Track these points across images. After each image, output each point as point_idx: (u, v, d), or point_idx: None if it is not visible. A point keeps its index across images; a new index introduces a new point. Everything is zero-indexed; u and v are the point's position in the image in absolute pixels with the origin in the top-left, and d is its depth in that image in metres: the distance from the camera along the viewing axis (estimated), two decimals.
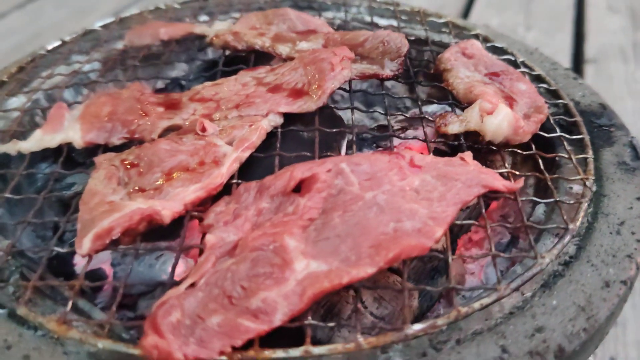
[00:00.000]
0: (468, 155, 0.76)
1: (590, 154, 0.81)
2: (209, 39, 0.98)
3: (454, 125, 0.81)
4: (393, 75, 0.88)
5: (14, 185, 0.76)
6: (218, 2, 1.19)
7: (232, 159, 0.73)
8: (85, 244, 0.64)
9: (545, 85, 0.95)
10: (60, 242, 0.69)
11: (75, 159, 0.86)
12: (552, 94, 0.94)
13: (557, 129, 0.85)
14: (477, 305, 0.61)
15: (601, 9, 2.43)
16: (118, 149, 0.79)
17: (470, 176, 0.72)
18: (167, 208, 0.66)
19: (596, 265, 0.67)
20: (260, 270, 0.60)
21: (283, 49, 0.93)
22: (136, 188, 0.71)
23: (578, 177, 0.77)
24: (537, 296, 0.64)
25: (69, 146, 0.80)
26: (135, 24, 1.10)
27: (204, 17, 1.17)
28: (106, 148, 0.80)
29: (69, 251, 0.67)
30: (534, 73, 0.98)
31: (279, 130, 0.79)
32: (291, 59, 0.91)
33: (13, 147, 0.80)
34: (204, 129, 0.76)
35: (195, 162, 0.73)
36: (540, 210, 0.80)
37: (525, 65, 1.00)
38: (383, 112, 0.84)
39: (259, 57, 0.96)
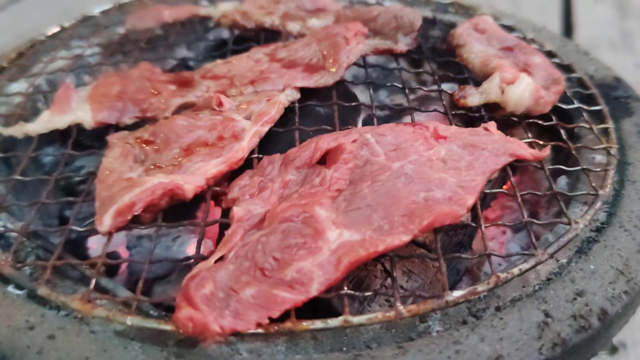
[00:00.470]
0: (492, 125, 0.74)
1: (610, 124, 0.80)
2: (216, 19, 0.96)
3: (474, 97, 0.80)
4: (407, 50, 0.87)
5: (22, 169, 0.73)
6: None
7: (252, 133, 0.70)
8: (106, 221, 0.61)
9: (557, 60, 0.94)
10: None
11: (82, 142, 0.83)
12: (565, 69, 0.93)
13: (575, 101, 0.84)
14: (516, 270, 0.59)
15: (588, 0, 2.45)
16: (129, 128, 0.76)
17: (496, 145, 0.70)
18: (190, 182, 0.64)
19: (629, 230, 0.66)
20: (292, 241, 0.58)
21: (293, 27, 0.91)
22: (154, 165, 0.68)
23: (601, 145, 0.76)
24: (574, 262, 0.63)
25: (78, 127, 0.77)
26: (135, 9, 1.08)
27: (204, 3, 1.15)
28: (117, 128, 0.77)
29: (86, 231, 0.64)
30: (545, 49, 0.97)
31: (296, 105, 0.77)
32: (302, 36, 0.89)
33: (20, 130, 0.76)
34: (220, 104, 0.73)
35: (214, 137, 0.70)
36: (562, 182, 0.79)
37: (535, 42, 0.99)
38: (401, 87, 0.82)
39: (266, 37, 0.94)
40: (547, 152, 0.72)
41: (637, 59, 2.08)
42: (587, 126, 0.80)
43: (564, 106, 0.82)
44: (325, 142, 0.67)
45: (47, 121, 0.77)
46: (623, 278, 0.60)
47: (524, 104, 0.77)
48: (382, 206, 0.62)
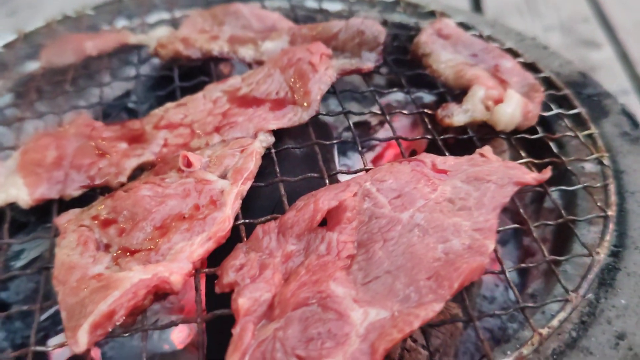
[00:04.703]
0: (487, 150, 0.69)
1: (594, 129, 0.77)
2: (152, 49, 0.83)
3: (459, 116, 0.74)
4: (374, 67, 0.79)
5: None
6: (139, 2, 1.03)
7: (234, 196, 0.61)
8: (81, 339, 0.50)
9: (520, 60, 0.90)
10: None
11: (16, 219, 0.69)
12: (530, 68, 0.89)
13: (552, 106, 0.80)
14: (555, 323, 0.55)
15: None
16: (77, 201, 0.64)
17: (500, 174, 0.65)
18: (176, 272, 0.54)
19: None
20: (313, 331, 0.50)
21: (246, 52, 0.80)
22: (122, 250, 0.57)
23: (593, 156, 0.73)
24: (602, 297, 0.59)
25: (11, 207, 0.64)
26: (45, 39, 0.92)
27: (123, 22, 1.01)
28: (61, 202, 0.65)
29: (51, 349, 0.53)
30: (504, 47, 0.93)
31: (273, 150, 0.68)
32: (259, 62, 0.79)
33: None
34: (189, 164, 0.63)
35: (189, 206, 0.60)
36: (549, 200, 0.76)
37: (493, 39, 0.95)
38: (380, 113, 0.74)
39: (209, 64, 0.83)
40: (548, 174, 0.67)
41: (544, 22, 2.12)
42: (572, 134, 0.76)
43: (544, 113, 0.78)
44: (325, 201, 0.58)
45: None
46: None
47: (515, 122, 0.72)
48: (402, 270, 0.55)
